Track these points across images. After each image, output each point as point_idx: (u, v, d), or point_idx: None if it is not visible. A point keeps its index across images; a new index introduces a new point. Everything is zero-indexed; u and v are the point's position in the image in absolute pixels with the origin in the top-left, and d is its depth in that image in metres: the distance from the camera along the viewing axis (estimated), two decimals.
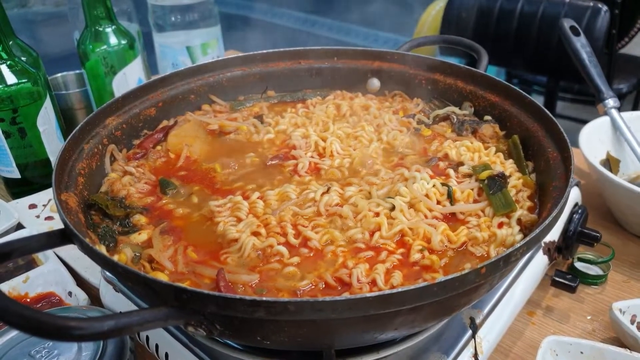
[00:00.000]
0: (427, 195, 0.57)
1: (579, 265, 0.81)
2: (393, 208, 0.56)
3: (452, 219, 0.57)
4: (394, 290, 0.38)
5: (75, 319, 0.36)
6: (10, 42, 1.05)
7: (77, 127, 0.62)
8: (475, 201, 0.59)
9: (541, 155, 0.63)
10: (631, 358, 0.61)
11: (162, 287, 0.40)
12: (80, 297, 0.77)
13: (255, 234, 0.55)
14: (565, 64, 2.03)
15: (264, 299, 0.38)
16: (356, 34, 5.04)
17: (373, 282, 0.49)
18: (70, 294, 0.79)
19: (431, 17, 3.41)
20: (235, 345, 0.55)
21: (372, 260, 0.51)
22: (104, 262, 0.43)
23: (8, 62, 0.96)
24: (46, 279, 0.81)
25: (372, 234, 0.54)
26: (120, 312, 0.39)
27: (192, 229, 0.57)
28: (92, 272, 0.82)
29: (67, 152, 0.59)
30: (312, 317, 0.39)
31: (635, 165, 0.95)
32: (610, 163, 0.95)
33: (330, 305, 0.38)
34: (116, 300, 0.69)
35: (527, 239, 0.43)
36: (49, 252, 0.85)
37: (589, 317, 0.74)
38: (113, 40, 1.13)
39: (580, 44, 1.03)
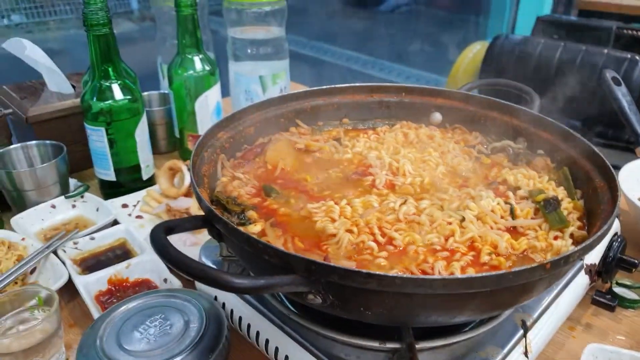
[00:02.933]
0: (492, 211, 0.69)
1: (617, 289, 0.90)
2: (463, 219, 0.68)
3: (514, 232, 0.68)
4: (479, 274, 0.49)
5: (239, 276, 0.49)
6: None
7: (200, 138, 0.76)
8: (532, 219, 0.70)
9: (589, 185, 0.73)
10: None
11: (296, 259, 0.52)
12: (175, 283, 0.90)
13: (349, 231, 0.66)
14: (600, 111, 2.13)
15: (377, 272, 0.49)
16: (389, 70, 5.24)
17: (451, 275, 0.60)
18: (165, 280, 0.92)
19: (468, 59, 3.55)
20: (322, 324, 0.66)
21: (448, 259, 0.63)
22: (246, 240, 0.55)
23: (118, 82, 1.13)
24: (144, 267, 0.94)
25: (446, 239, 0.65)
26: (265, 276, 0.51)
27: (294, 225, 0.69)
28: None
29: (195, 157, 0.72)
30: (413, 291, 0.50)
31: None
32: None
33: (428, 282, 0.49)
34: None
35: (584, 244, 0.54)
36: (145, 244, 0.98)
37: (622, 338, 0.82)
38: (198, 66, 1.29)
39: (622, 93, 1.14)
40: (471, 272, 0.60)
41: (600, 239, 0.57)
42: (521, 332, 0.69)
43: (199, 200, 0.62)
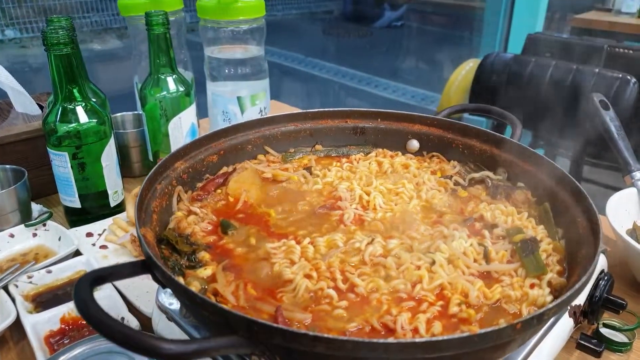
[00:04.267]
0: (464, 253, 0.63)
1: (604, 331, 0.84)
2: (433, 262, 0.62)
3: (487, 277, 0.62)
4: (440, 338, 0.44)
5: (168, 341, 0.43)
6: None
7: (153, 170, 0.71)
8: (508, 262, 0.64)
9: (570, 223, 0.68)
10: None
11: (236, 318, 0.46)
12: (133, 323, 0.83)
13: (308, 276, 0.61)
14: (593, 131, 2.09)
15: (325, 335, 0.44)
16: (385, 86, 5.24)
17: (415, 330, 0.54)
18: (122, 319, 0.85)
19: (461, 77, 3.52)
20: None
21: (414, 310, 0.57)
22: (184, 293, 0.49)
23: (83, 104, 1.07)
24: (101, 303, 0.87)
25: (414, 286, 0.60)
26: (199, 338, 0.45)
27: (250, 267, 0.64)
28: (142, 300, 0.88)
29: (145, 191, 0.67)
30: (366, 356, 0.44)
31: None
32: (637, 233, 0.99)
33: (383, 347, 0.44)
34: (168, 329, 0.75)
35: (559, 300, 0.48)
36: None
37: None
38: (172, 87, 1.24)
39: (610, 117, 1.09)
40: (438, 326, 0.54)
41: (579, 291, 0.51)
42: None
43: (140, 241, 0.56)
